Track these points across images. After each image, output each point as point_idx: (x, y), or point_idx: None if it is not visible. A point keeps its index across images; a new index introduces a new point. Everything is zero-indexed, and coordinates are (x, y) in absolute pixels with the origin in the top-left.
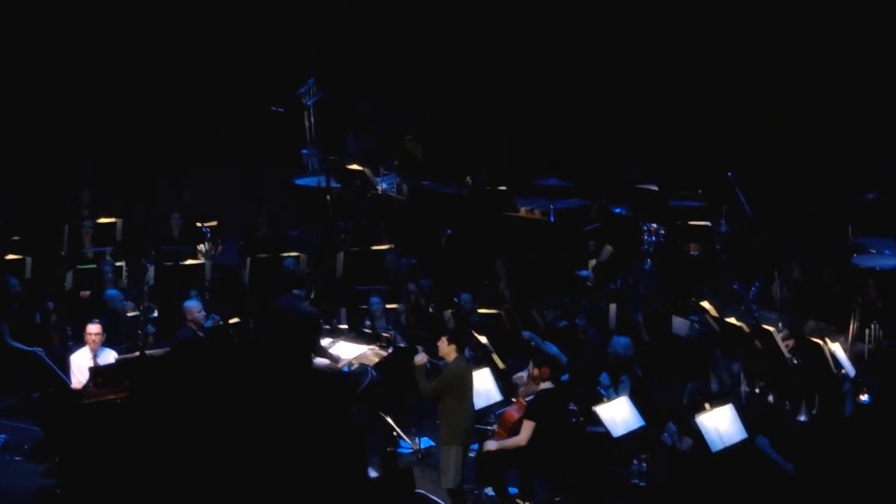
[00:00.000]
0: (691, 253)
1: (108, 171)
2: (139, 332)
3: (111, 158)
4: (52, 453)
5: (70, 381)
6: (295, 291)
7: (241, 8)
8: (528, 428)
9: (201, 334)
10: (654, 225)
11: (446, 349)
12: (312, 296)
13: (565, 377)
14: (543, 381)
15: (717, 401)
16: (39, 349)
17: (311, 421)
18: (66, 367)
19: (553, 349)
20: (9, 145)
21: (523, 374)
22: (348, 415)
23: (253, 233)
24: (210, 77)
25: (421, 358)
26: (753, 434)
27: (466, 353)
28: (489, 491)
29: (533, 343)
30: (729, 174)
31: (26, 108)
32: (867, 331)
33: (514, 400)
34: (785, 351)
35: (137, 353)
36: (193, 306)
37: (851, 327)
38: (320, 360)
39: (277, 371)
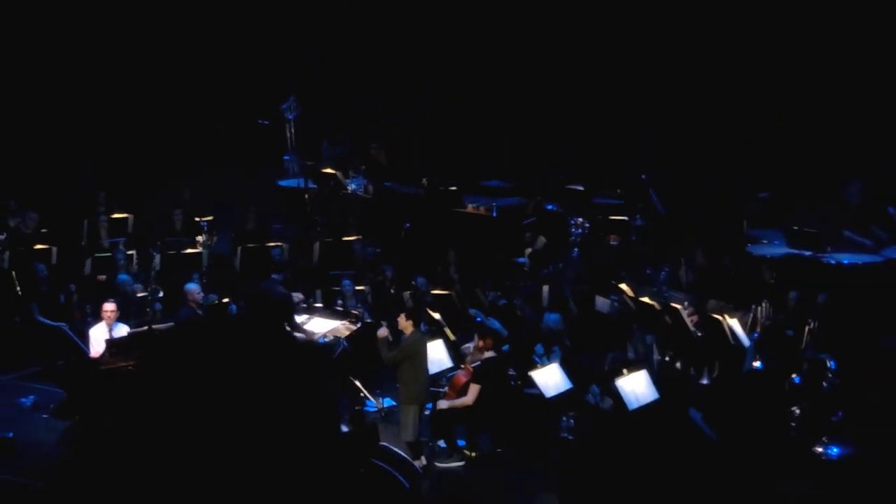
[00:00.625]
0: (611, 243)
1: (120, 173)
2: (147, 309)
3: (123, 163)
4: (73, 412)
5: (89, 352)
6: (273, 276)
7: (230, 30)
8: (474, 390)
9: (200, 312)
10: (581, 219)
11: (405, 324)
12: (289, 279)
13: (506, 348)
14: (487, 350)
15: (633, 367)
16: (63, 324)
17: (291, 384)
18: (85, 340)
19: (496, 324)
20: (35, 152)
21: (470, 345)
22: (324, 378)
23: (243, 226)
24: (205, 93)
25: (383, 331)
26: (665, 396)
27: (422, 327)
28: (441, 443)
29: (478, 319)
30: (643, 176)
31: (53, 117)
32: (759, 308)
33: (462, 366)
34: (690, 325)
35: (146, 328)
36: (193, 288)
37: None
38: (299, 334)
39: (260, 342)
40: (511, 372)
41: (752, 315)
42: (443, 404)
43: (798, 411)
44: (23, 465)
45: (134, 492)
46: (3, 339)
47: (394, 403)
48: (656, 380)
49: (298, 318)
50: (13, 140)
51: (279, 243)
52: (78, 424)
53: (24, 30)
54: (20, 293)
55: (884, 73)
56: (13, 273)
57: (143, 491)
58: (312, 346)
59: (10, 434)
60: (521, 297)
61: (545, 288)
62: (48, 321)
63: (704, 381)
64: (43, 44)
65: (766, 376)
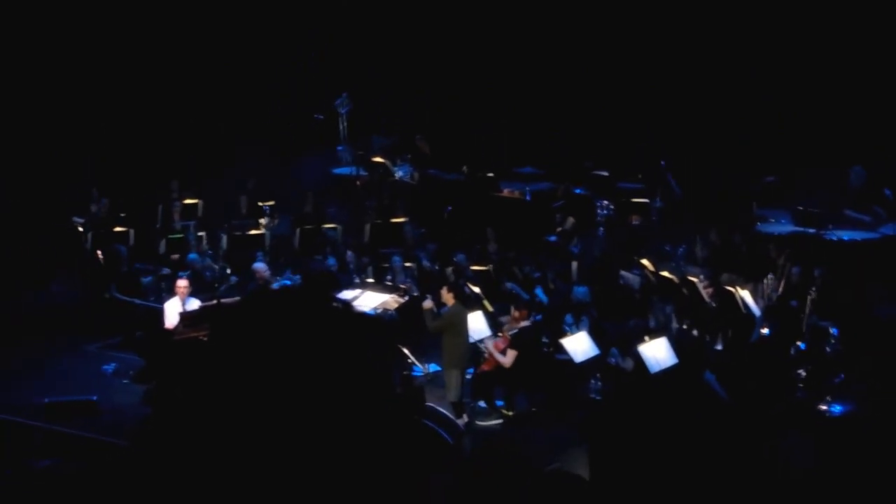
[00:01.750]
0: (633, 223)
1: (192, 163)
2: (216, 285)
3: (195, 153)
4: (151, 378)
5: (164, 323)
6: (317, 257)
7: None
8: (511, 355)
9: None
10: (606, 202)
11: (447, 296)
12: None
13: (538, 317)
14: (522, 320)
15: (654, 335)
16: (139, 300)
17: (344, 351)
18: (161, 313)
19: (540, 293)
20: (115, 143)
21: (506, 317)
22: (378, 345)
23: (301, 210)
24: (267, 91)
25: (428, 303)
26: (683, 360)
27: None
28: (481, 403)
29: (514, 292)
30: (662, 163)
31: (132, 112)
32: (766, 281)
33: (500, 335)
34: (705, 297)
35: (215, 302)
36: (261, 267)
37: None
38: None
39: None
40: (544, 339)
41: (761, 287)
42: (484, 367)
43: (803, 374)
44: (106, 425)
45: (206, 449)
46: (88, 313)
47: (438, 368)
48: (675, 346)
49: (351, 293)
50: (96, 131)
51: (334, 225)
52: (156, 388)
53: (96, 18)
54: (103, 271)
55: (884, 63)
56: (97, 253)
57: (215, 448)
58: (367, 316)
59: (95, 397)
60: (552, 272)
61: (574, 264)
62: (126, 297)
63: (718, 347)
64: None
65: (774, 342)
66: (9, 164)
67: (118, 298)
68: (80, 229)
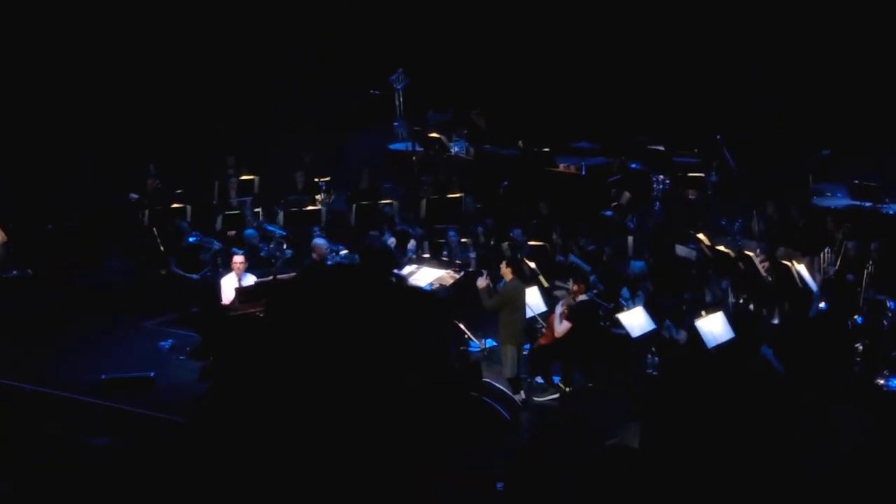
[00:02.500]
0: (689, 197)
1: (248, 139)
2: (272, 260)
3: (252, 130)
4: (207, 354)
5: (220, 299)
6: (372, 233)
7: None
8: (566, 326)
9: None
10: (661, 176)
11: (505, 271)
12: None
13: (593, 292)
14: (581, 294)
15: (710, 309)
16: (196, 275)
17: (403, 326)
18: (217, 289)
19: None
20: (172, 119)
21: (562, 291)
22: (435, 320)
23: (357, 185)
24: (322, 68)
25: (482, 282)
26: (739, 334)
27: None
28: (538, 379)
29: (575, 265)
30: (718, 137)
31: (190, 88)
32: (822, 255)
33: (562, 306)
34: (762, 270)
35: (271, 277)
36: (321, 243)
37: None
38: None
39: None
40: (601, 313)
41: (818, 261)
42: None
43: (860, 348)
44: (163, 401)
45: (262, 425)
46: (146, 290)
47: (495, 344)
48: (732, 320)
49: (408, 269)
50: (153, 107)
51: (390, 201)
52: (213, 365)
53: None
54: (161, 248)
55: None
56: (154, 229)
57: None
58: (422, 291)
59: (152, 374)
60: (608, 246)
61: (630, 238)
62: (183, 273)
63: (775, 322)
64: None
65: (831, 317)
66: (65, 141)
67: (176, 273)
68: (137, 206)
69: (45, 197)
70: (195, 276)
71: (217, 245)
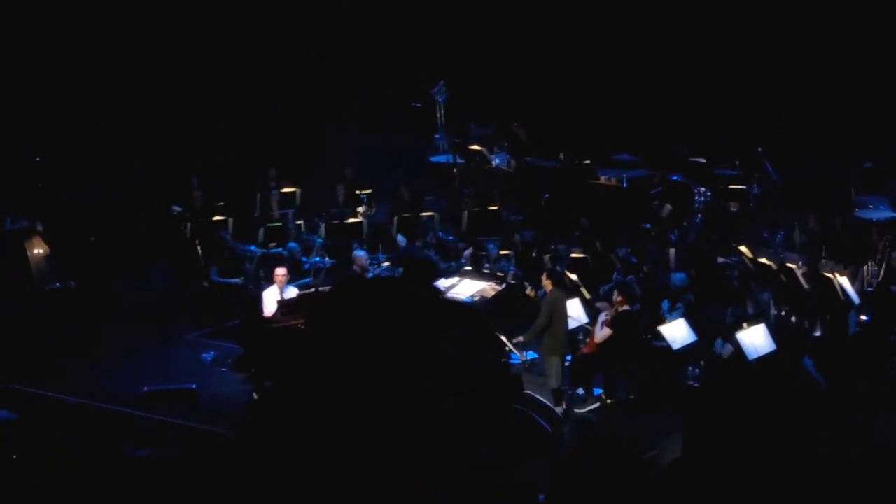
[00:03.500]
0: (731, 209)
1: (290, 152)
2: (314, 273)
3: (294, 143)
4: (249, 366)
5: (262, 311)
6: (416, 244)
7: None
8: (606, 332)
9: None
10: (703, 188)
11: (546, 283)
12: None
13: (637, 306)
14: (623, 305)
15: (752, 321)
16: (239, 279)
17: (443, 338)
18: (259, 301)
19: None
20: (214, 132)
21: (604, 303)
22: (475, 332)
23: (399, 198)
24: (363, 82)
25: (531, 290)
26: (781, 346)
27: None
28: (580, 391)
29: (617, 277)
30: (759, 149)
31: (233, 101)
32: (866, 267)
33: (606, 314)
34: (804, 283)
35: (313, 289)
36: (362, 255)
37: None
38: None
39: (409, 299)
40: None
41: (861, 273)
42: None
43: None
44: (205, 413)
45: (306, 436)
46: (188, 302)
47: (536, 356)
48: (773, 332)
49: (450, 281)
50: (197, 121)
51: (431, 213)
52: (256, 376)
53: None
54: (202, 260)
55: None
56: (196, 241)
57: (314, 435)
58: (462, 304)
59: (194, 386)
60: (649, 259)
61: (671, 251)
62: (225, 279)
63: (817, 333)
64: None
65: (873, 329)
66: (111, 154)
67: (218, 282)
68: (180, 218)
69: (88, 209)
70: (237, 281)
71: (258, 251)
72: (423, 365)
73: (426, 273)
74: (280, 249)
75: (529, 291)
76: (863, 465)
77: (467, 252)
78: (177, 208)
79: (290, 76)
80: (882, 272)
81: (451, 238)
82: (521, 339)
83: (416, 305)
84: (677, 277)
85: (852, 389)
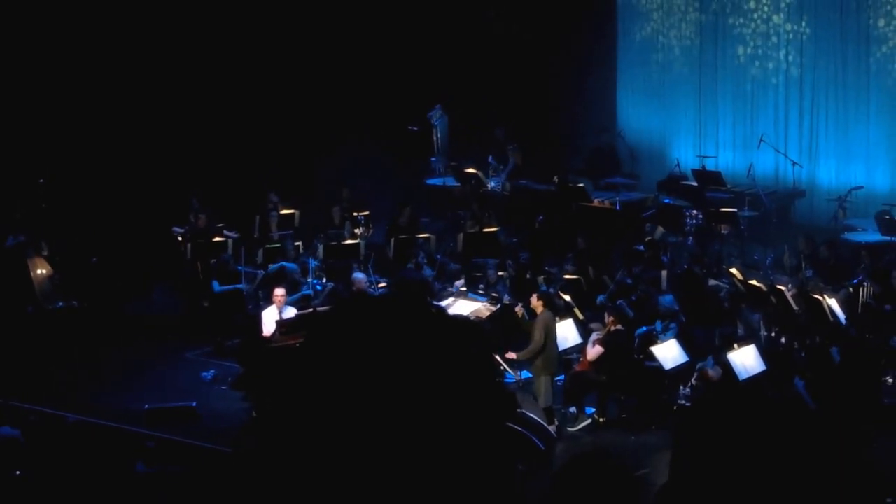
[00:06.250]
0: (722, 232)
1: (289, 176)
2: (312, 294)
3: (291, 167)
4: (249, 385)
5: (262, 331)
6: (409, 265)
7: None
8: (596, 350)
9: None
10: (695, 211)
11: (536, 303)
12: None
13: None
14: (615, 326)
15: (742, 342)
16: (241, 285)
17: (445, 356)
18: (259, 321)
19: (668, 300)
20: (214, 154)
21: (597, 324)
22: (479, 347)
23: (396, 220)
24: (360, 103)
25: (519, 309)
26: (772, 369)
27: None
28: (572, 409)
29: (600, 300)
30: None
31: (233, 122)
32: (861, 288)
33: (597, 334)
34: (793, 305)
35: (311, 310)
36: (361, 277)
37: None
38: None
39: (404, 319)
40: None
41: (846, 294)
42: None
43: (891, 380)
44: (205, 431)
45: (305, 456)
46: (189, 321)
47: (530, 375)
48: (763, 353)
49: (444, 302)
50: (197, 142)
51: (427, 235)
52: (254, 396)
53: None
54: (202, 279)
55: None
56: (197, 263)
57: (313, 454)
58: (465, 321)
59: (194, 403)
60: (642, 280)
61: (663, 272)
62: (226, 287)
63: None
64: (215, 41)
65: (863, 348)
66: (112, 174)
67: (220, 291)
68: (180, 239)
69: (90, 230)
70: (241, 287)
71: (260, 272)
72: (420, 383)
73: (419, 292)
74: (287, 265)
75: (518, 310)
76: (854, 488)
77: (459, 283)
78: (178, 229)
79: (289, 99)
80: (872, 293)
81: (441, 258)
82: (513, 355)
83: (418, 322)
84: (666, 300)
85: (844, 410)
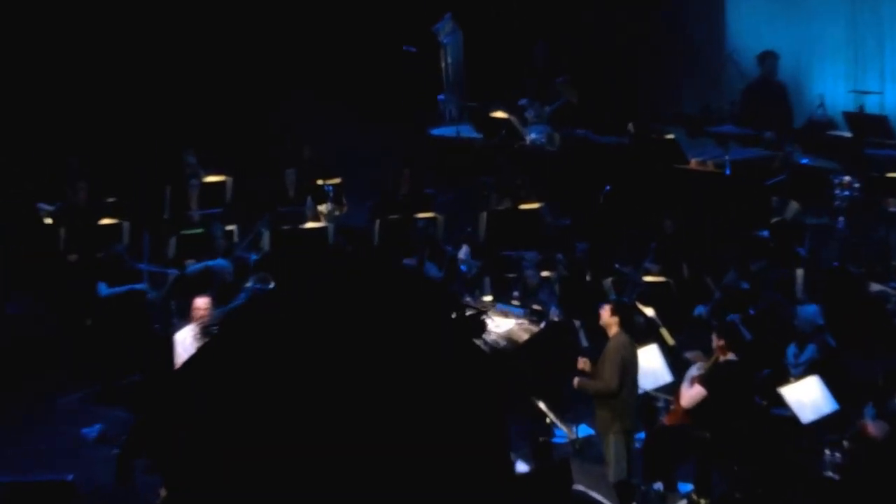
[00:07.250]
0: (890, 209)
1: (217, 127)
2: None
3: (221, 113)
4: (153, 448)
5: (174, 362)
6: (406, 260)
7: None
8: (697, 392)
9: None
10: (848, 178)
11: (608, 320)
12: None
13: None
14: (725, 354)
15: None
16: (140, 285)
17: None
18: (170, 348)
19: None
20: (102, 98)
21: (695, 352)
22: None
23: (386, 192)
24: (332, 9)
25: (583, 362)
26: None
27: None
28: (659, 485)
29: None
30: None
31: (119, 58)
32: None
33: (696, 373)
34: None
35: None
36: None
37: None
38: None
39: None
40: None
41: None
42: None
43: None
44: None
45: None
46: (65, 349)
47: (591, 432)
48: None
49: None
50: (73, 77)
51: (431, 214)
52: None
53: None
54: (82, 283)
55: None
56: (74, 258)
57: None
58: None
59: (70, 477)
60: (765, 284)
61: (799, 272)
62: (118, 289)
63: None
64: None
65: None
66: None
67: (108, 296)
68: (49, 221)
69: None
70: (141, 287)
71: (170, 272)
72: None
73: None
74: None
75: (582, 363)
76: None
77: (463, 251)
78: (46, 207)
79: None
80: None
81: (452, 251)
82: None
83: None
84: (807, 311)
85: None
